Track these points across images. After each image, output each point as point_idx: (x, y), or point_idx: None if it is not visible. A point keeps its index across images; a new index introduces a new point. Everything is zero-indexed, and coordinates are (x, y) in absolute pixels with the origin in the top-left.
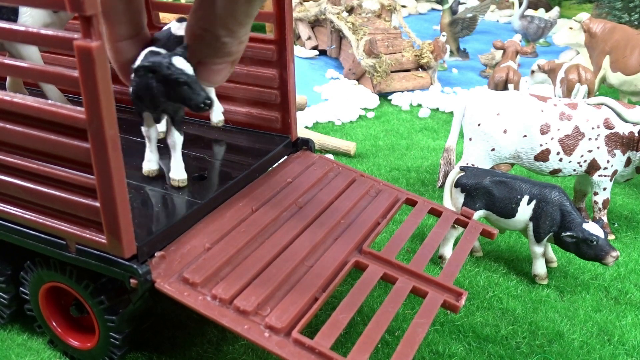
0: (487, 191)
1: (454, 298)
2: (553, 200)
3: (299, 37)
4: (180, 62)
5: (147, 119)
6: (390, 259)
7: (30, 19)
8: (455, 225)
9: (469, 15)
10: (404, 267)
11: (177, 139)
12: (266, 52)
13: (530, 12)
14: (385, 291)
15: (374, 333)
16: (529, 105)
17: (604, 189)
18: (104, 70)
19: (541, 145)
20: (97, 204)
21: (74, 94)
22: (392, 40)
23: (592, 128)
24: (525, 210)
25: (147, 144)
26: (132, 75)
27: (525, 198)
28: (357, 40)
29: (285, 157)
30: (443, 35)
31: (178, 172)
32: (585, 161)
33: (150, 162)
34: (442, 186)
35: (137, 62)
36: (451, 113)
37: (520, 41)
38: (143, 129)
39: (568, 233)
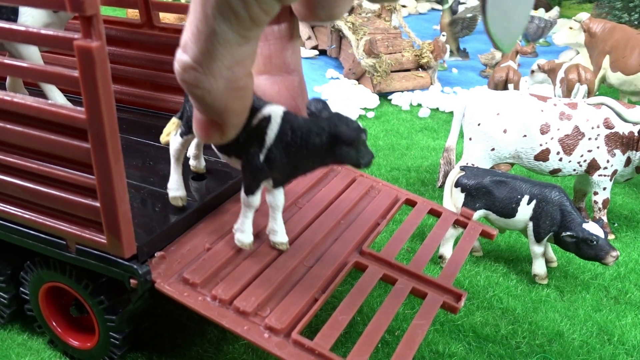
0: (487, 191)
1: (454, 299)
2: (553, 200)
3: None
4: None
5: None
6: (390, 259)
7: (30, 18)
8: (456, 225)
9: (469, 15)
10: (404, 268)
11: (280, 200)
12: None
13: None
14: (385, 291)
15: (373, 334)
16: (529, 105)
17: (604, 188)
18: (104, 70)
19: (541, 145)
20: (97, 204)
21: (74, 94)
22: (392, 40)
23: (592, 128)
24: (525, 210)
25: (248, 214)
26: (274, 128)
27: (526, 198)
28: (357, 40)
29: None
30: (443, 35)
31: (282, 235)
32: (585, 161)
33: (248, 234)
34: (442, 186)
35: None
36: (451, 113)
37: (520, 41)
38: (250, 198)
39: (568, 233)
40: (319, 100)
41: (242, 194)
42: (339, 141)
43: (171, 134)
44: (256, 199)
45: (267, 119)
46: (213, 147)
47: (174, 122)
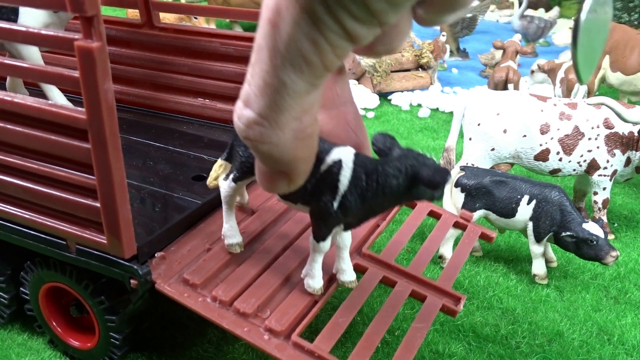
0: (487, 191)
1: (453, 302)
2: (553, 200)
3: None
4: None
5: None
6: (390, 262)
7: (30, 19)
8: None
9: (469, 15)
10: (403, 271)
11: (348, 240)
12: None
13: (530, 12)
14: (385, 290)
15: (373, 337)
16: (529, 105)
17: (604, 188)
18: (105, 70)
19: (541, 145)
20: (98, 204)
21: (75, 94)
22: None
23: (592, 128)
24: (525, 210)
25: (318, 259)
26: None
27: (525, 198)
28: None
29: None
30: (443, 35)
31: (350, 274)
32: (585, 161)
33: (319, 279)
34: None
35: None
36: (451, 113)
37: (520, 41)
38: (321, 244)
39: (568, 233)
40: (385, 136)
41: (312, 239)
42: (420, 183)
43: (220, 178)
44: (327, 245)
45: (338, 164)
46: (276, 195)
47: (221, 164)
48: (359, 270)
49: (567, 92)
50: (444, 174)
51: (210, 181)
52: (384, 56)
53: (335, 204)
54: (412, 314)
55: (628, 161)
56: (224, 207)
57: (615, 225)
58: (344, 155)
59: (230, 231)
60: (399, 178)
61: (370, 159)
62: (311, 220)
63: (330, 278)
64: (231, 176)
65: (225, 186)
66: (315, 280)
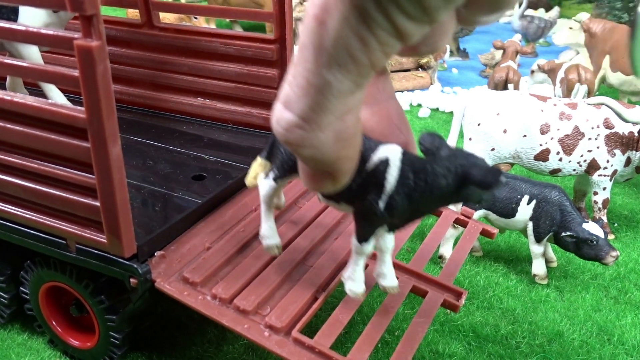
0: None
1: (454, 297)
2: (553, 200)
3: (299, 37)
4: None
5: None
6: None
7: (30, 18)
8: (455, 225)
9: None
10: (404, 267)
11: (391, 243)
12: (266, 52)
13: (530, 12)
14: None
15: (374, 333)
16: (529, 105)
17: (604, 188)
18: (104, 69)
19: (541, 145)
20: (97, 204)
21: (75, 93)
22: None
23: (592, 128)
24: (525, 210)
25: (360, 262)
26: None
27: (525, 198)
28: None
29: None
30: None
31: (392, 279)
32: (585, 161)
33: (360, 282)
34: None
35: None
36: (451, 113)
37: (520, 41)
38: (364, 246)
39: (568, 233)
40: (433, 135)
41: (354, 241)
42: (471, 183)
43: (259, 177)
44: (370, 247)
45: (385, 163)
46: (318, 194)
47: (260, 163)
48: None
49: (567, 92)
50: (497, 174)
51: (249, 180)
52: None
53: (382, 204)
54: (412, 314)
55: (628, 161)
56: (262, 207)
57: (615, 225)
58: (391, 153)
59: (269, 232)
60: (448, 178)
61: (418, 158)
62: (355, 221)
63: (330, 274)
64: (271, 175)
65: (265, 185)
66: (356, 284)
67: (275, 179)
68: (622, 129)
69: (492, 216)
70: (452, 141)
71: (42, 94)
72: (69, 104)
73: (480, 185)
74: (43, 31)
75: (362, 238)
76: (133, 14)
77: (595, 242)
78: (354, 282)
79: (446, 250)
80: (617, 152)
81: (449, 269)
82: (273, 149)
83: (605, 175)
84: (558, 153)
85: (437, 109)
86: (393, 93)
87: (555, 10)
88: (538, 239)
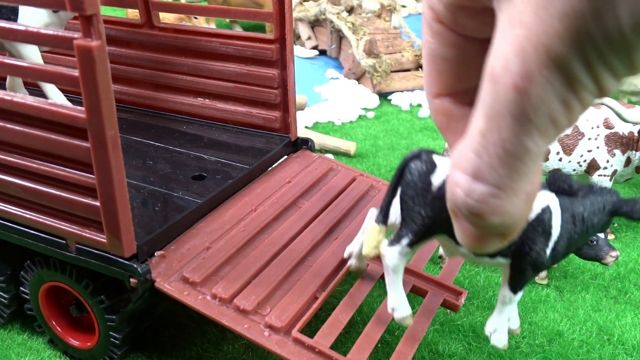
0: None
1: (454, 297)
2: None
3: (299, 37)
4: None
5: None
6: None
7: (30, 18)
8: None
9: None
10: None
11: (513, 297)
12: (266, 52)
13: None
14: (385, 290)
15: (374, 333)
16: None
17: None
18: (104, 69)
19: None
20: (97, 204)
21: (75, 93)
22: (392, 40)
23: (592, 128)
24: None
25: (506, 312)
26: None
27: None
28: (357, 40)
29: (285, 156)
30: None
31: (515, 321)
32: (584, 161)
33: (506, 332)
34: None
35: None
36: None
37: None
38: (518, 295)
39: None
40: (559, 174)
41: (507, 292)
42: (626, 217)
43: (383, 246)
44: (521, 293)
45: (547, 210)
46: (461, 250)
47: (379, 230)
48: None
49: None
50: (637, 202)
51: (369, 250)
52: (384, 55)
53: (548, 252)
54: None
55: (628, 161)
56: (391, 276)
57: (615, 225)
58: (550, 200)
59: (401, 302)
60: (599, 215)
61: (567, 200)
62: (513, 273)
63: (330, 274)
64: (404, 241)
65: (394, 253)
66: (503, 335)
67: (410, 245)
68: (622, 129)
69: None
70: None
71: (42, 94)
72: (69, 104)
73: (632, 217)
74: (43, 31)
75: (520, 288)
76: (133, 14)
77: (595, 242)
78: (500, 333)
79: None
80: (617, 152)
81: (449, 268)
82: (390, 212)
83: (605, 176)
84: (558, 153)
85: None
86: None
87: None
88: None
